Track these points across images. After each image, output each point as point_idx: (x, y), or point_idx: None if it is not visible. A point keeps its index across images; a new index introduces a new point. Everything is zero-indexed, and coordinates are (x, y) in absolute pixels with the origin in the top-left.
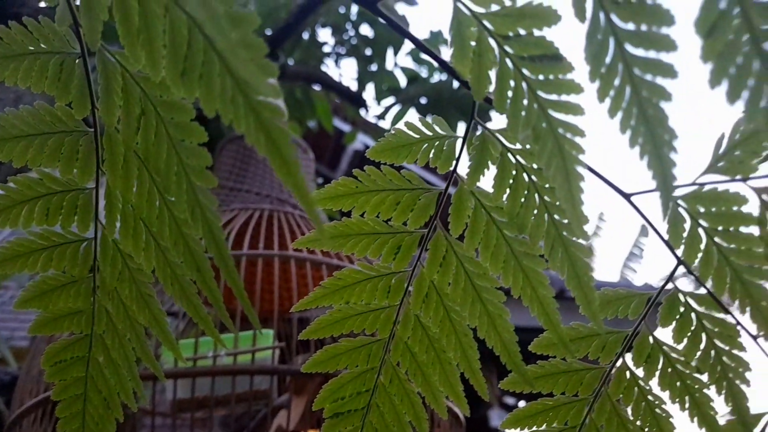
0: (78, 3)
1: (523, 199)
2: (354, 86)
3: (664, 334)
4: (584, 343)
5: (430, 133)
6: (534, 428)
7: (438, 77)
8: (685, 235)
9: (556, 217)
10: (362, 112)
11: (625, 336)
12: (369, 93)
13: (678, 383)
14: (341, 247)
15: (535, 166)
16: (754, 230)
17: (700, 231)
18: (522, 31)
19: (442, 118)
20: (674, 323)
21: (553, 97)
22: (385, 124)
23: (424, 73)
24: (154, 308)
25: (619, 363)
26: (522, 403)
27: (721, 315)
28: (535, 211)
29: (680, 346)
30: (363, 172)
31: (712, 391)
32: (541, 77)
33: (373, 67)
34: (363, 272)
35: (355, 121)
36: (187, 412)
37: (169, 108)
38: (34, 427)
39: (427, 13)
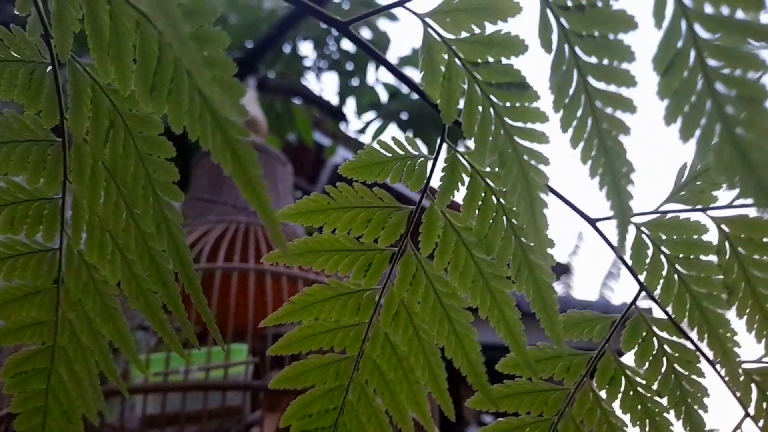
0: (51, 13)
1: (491, 221)
2: (335, 100)
3: (627, 357)
4: (550, 364)
5: (402, 152)
6: None
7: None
8: (647, 261)
9: (523, 240)
10: (343, 126)
11: (590, 358)
12: (350, 107)
13: (639, 406)
14: (311, 263)
15: (503, 189)
16: (714, 259)
17: (662, 258)
18: (491, 59)
19: (423, 135)
20: (636, 347)
21: (519, 124)
22: (365, 138)
23: (405, 88)
24: (118, 321)
25: (583, 385)
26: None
27: (682, 340)
28: (503, 233)
29: (642, 370)
30: (335, 188)
31: (671, 416)
32: (508, 104)
33: (354, 82)
34: (333, 289)
35: (335, 136)
36: (157, 428)
37: (138, 122)
38: None
39: (410, 29)
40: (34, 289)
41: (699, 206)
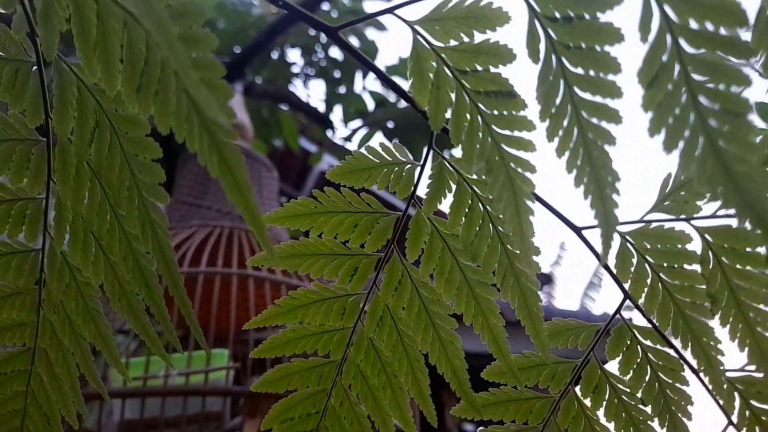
0: (37, 11)
1: (477, 228)
2: (322, 107)
3: (612, 365)
4: (534, 371)
5: (390, 159)
6: None
7: (405, 102)
8: (632, 269)
9: (509, 247)
10: (329, 133)
11: (574, 366)
12: (336, 115)
13: (623, 414)
14: (297, 267)
15: (490, 196)
16: (697, 268)
17: (647, 267)
18: (479, 67)
19: (409, 144)
20: (621, 355)
21: (507, 132)
22: (351, 146)
23: (392, 97)
24: (100, 323)
25: (568, 393)
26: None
27: (666, 349)
28: (489, 241)
29: (626, 378)
30: (322, 192)
31: (655, 424)
32: (495, 112)
33: (342, 90)
34: (318, 293)
35: (321, 142)
36: None
37: (124, 122)
38: None
39: (398, 39)
40: (15, 290)
41: (683, 216)
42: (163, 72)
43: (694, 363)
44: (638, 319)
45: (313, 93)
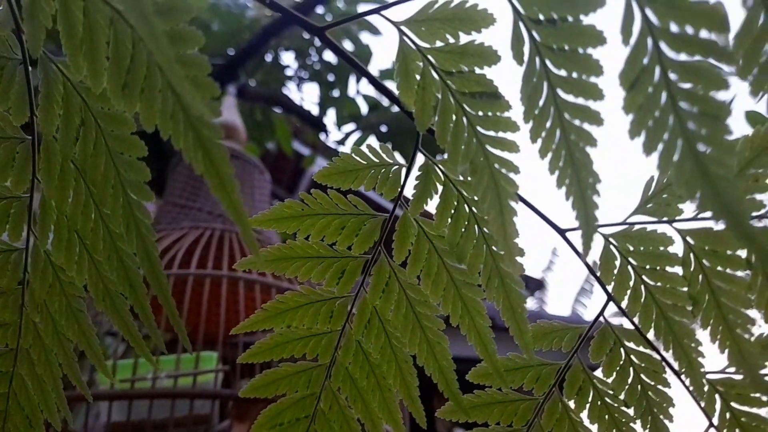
0: (23, 8)
1: (463, 230)
2: (315, 111)
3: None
4: (519, 374)
5: (376, 160)
6: None
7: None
8: (615, 271)
9: (494, 248)
10: (322, 136)
11: (558, 368)
12: (330, 118)
13: (606, 416)
14: (284, 270)
15: (476, 198)
16: (679, 270)
17: (630, 269)
18: (464, 68)
19: (402, 148)
20: (605, 357)
21: (491, 133)
22: (345, 149)
23: (385, 101)
24: (83, 323)
25: (552, 395)
26: None
27: (648, 351)
28: (475, 242)
29: (610, 380)
30: (309, 195)
31: (638, 426)
32: (480, 113)
33: (335, 93)
34: (306, 296)
35: (315, 145)
36: None
37: (109, 120)
38: None
39: (392, 43)
40: None
41: (665, 218)
42: (149, 69)
43: (675, 365)
44: (625, 324)
45: (306, 96)
